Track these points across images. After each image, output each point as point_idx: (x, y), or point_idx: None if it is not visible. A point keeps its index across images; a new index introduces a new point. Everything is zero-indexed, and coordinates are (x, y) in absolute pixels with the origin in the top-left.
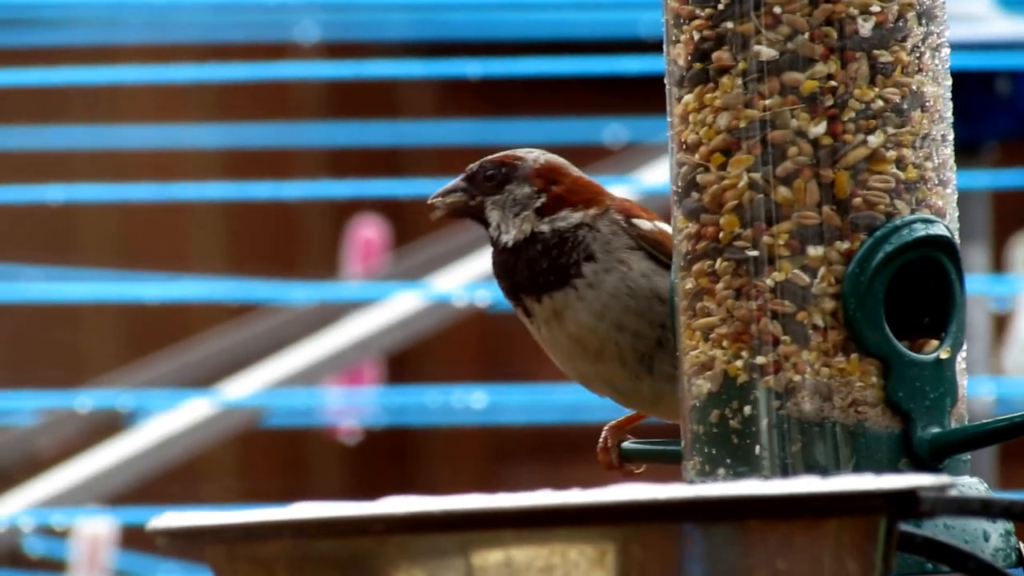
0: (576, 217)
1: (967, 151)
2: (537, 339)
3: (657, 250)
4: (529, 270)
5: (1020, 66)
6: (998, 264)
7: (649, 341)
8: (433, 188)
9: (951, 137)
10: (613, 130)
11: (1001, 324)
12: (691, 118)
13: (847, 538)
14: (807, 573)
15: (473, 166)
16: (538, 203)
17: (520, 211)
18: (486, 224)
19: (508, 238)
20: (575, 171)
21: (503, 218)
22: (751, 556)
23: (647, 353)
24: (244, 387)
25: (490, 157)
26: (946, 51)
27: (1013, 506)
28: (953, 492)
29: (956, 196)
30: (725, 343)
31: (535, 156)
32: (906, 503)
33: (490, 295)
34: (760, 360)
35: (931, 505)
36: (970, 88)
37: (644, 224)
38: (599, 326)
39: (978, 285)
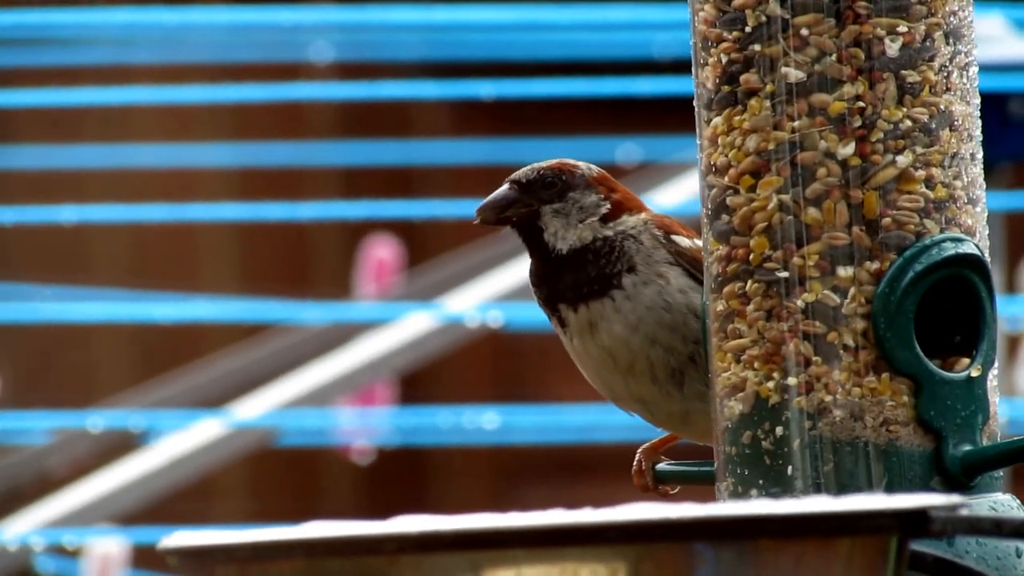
0: (632, 222)
1: None
2: (569, 350)
3: (694, 267)
4: (574, 278)
5: None
6: (1011, 285)
7: (681, 357)
8: (447, 208)
9: (980, 156)
10: (626, 150)
11: (1013, 345)
12: (720, 140)
13: (859, 557)
14: None
15: (527, 174)
16: (604, 210)
17: (586, 217)
18: (539, 231)
19: (564, 245)
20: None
21: (566, 225)
22: (763, 575)
23: (678, 369)
24: (256, 407)
25: (543, 166)
26: (974, 70)
27: None
28: (964, 511)
29: (986, 214)
30: (756, 364)
31: (587, 165)
32: (917, 522)
33: (502, 315)
34: (791, 381)
35: (942, 525)
36: (983, 109)
37: (683, 241)
38: (632, 339)
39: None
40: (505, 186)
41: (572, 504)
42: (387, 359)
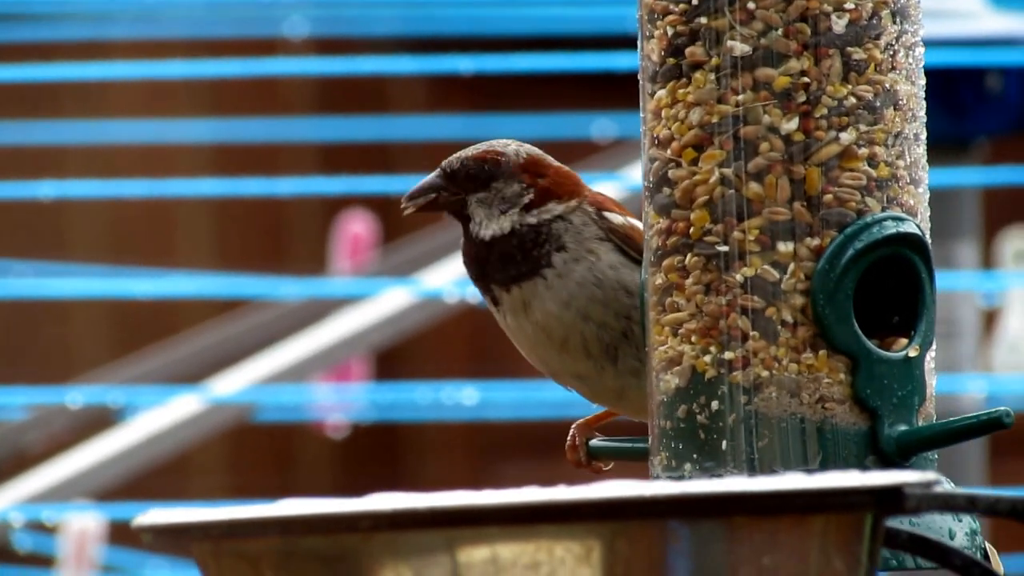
0: (559, 209)
1: (957, 147)
2: (503, 328)
3: (626, 244)
4: (502, 262)
5: (1010, 62)
6: (987, 261)
7: (614, 332)
8: None
9: (924, 136)
10: (601, 126)
11: (990, 321)
12: (664, 113)
13: (833, 534)
14: (793, 569)
15: (452, 163)
16: (527, 199)
17: (508, 208)
18: (466, 219)
19: (488, 232)
20: (554, 162)
21: (488, 215)
22: (737, 552)
23: (612, 344)
24: (233, 383)
25: (469, 154)
26: (920, 50)
27: (999, 503)
28: (939, 489)
29: (928, 195)
30: (694, 338)
31: (515, 150)
32: (892, 500)
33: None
34: (728, 355)
35: (917, 502)
36: (961, 84)
37: (615, 217)
38: (564, 315)
39: (967, 282)
40: (434, 172)
41: (548, 480)
42: (364, 335)
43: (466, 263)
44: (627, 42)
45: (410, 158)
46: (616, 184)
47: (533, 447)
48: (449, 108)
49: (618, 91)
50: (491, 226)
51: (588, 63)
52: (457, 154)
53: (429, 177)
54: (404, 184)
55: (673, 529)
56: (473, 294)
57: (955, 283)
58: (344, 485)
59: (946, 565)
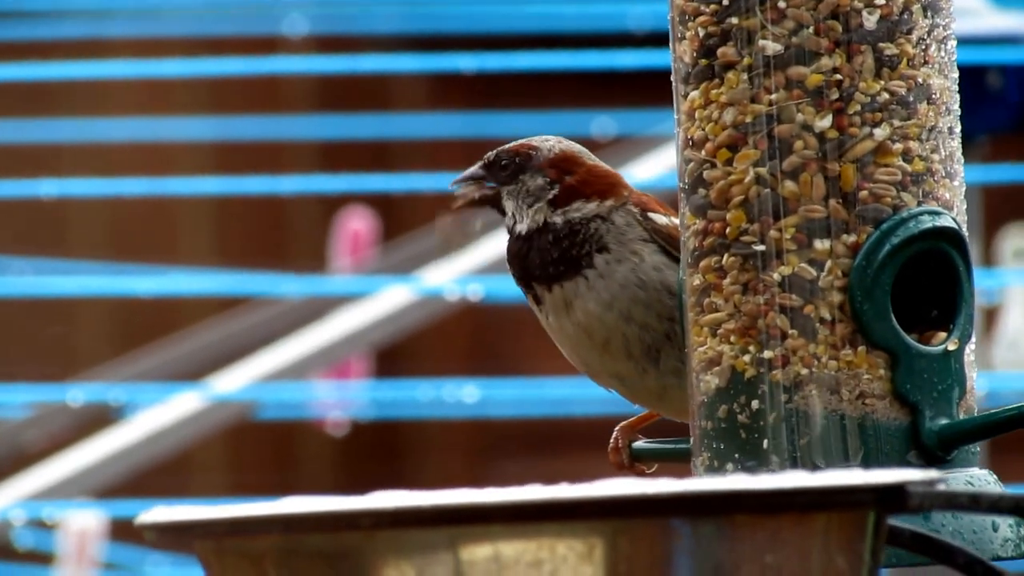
0: (589, 208)
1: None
2: (545, 327)
3: (671, 244)
4: (540, 259)
5: (1011, 60)
6: (987, 258)
7: (657, 334)
8: (424, 182)
9: (958, 129)
10: (602, 123)
11: (990, 319)
12: (697, 114)
13: (836, 533)
14: (796, 567)
15: (491, 155)
16: (551, 195)
17: (533, 202)
18: (502, 213)
19: (522, 227)
20: (591, 160)
21: (517, 208)
22: (739, 550)
23: (654, 346)
24: (234, 381)
25: (507, 146)
26: (952, 43)
27: (1002, 500)
28: (941, 486)
29: (964, 188)
30: (733, 338)
31: (550, 145)
32: (894, 498)
33: (481, 289)
34: (768, 354)
35: (920, 500)
36: (961, 82)
37: (659, 218)
38: (607, 316)
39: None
40: (476, 165)
41: (550, 478)
42: (365, 332)
43: (508, 259)
44: (627, 40)
45: (410, 156)
46: None
47: (534, 444)
48: (449, 106)
49: (618, 89)
50: (524, 220)
51: (588, 61)
52: (500, 148)
53: (473, 167)
54: (404, 182)
55: (675, 527)
56: (474, 291)
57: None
58: (345, 483)
59: (949, 563)
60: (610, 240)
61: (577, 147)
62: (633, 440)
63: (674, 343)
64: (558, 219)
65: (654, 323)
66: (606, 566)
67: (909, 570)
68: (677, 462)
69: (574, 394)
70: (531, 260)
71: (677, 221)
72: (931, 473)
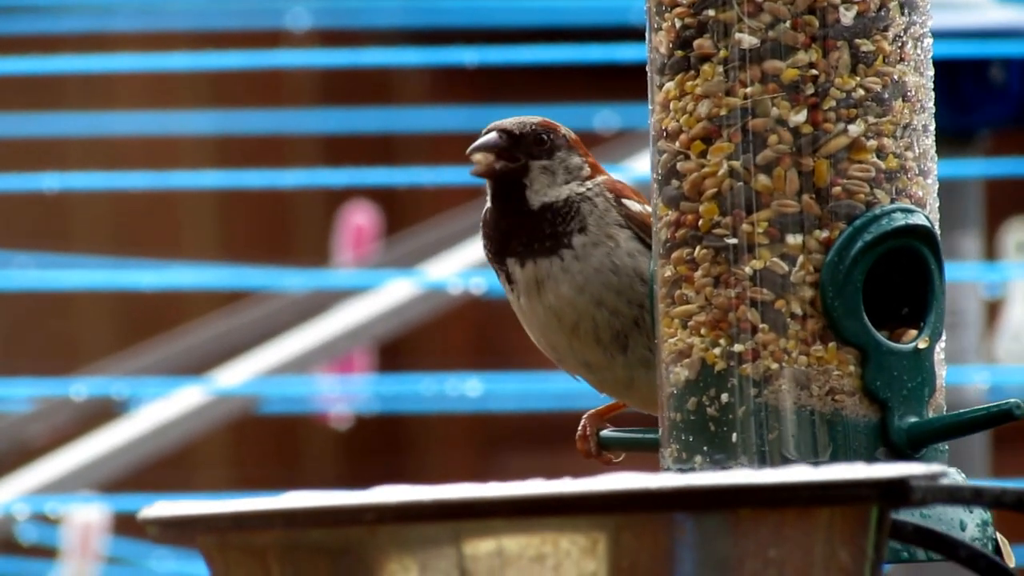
0: (591, 184)
1: (960, 139)
2: (515, 309)
3: (643, 231)
4: (529, 234)
5: (1013, 54)
6: (990, 252)
7: (626, 320)
8: (427, 176)
9: (932, 127)
10: (604, 117)
11: (993, 312)
12: (672, 106)
13: (839, 527)
14: (799, 562)
15: (519, 127)
16: (585, 172)
17: (570, 179)
18: (521, 186)
19: (538, 201)
20: None
21: (550, 183)
22: (742, 545)
23: (622, 332)
24: (237, 375)
25: (533, 120)
26: (928, 41)
27: (1005, 495)
28: (945, 481)
29: (937, 186)
30: (703, 331)
31: (564, 128)
32: (897, 492)
33: (484, 283)
34: (738, 348)
35: (922, 494)
36: (964, 76)
37: (634, 205)
38: (578, 299)
39: (970, 273)
40: (494, 134)
41: (553, 472)
42: (368, 326)
43: (486, 233)
44: (630, 33)
45: (413, 149)
46: (619, 175)
47: (537, 439)
48: (452, 99)
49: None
50: (549, 194)
51: (591, 54)
52: (515, 119)
53: (491, 136)
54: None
55: (678, 522)
56: (477, 285)
57: (958, 274)
58: (348, 477)
59: (952, 557)
60: (591, 222)
61: None
62: (601, 428)
63: (642, 330)
64: (583, 190)
65: (624, 309)
66: (609, 561)
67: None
68: (644, 452)
69: (577, 388)
70: (517, 234)
71: (650, 209)
72: (934, 467)
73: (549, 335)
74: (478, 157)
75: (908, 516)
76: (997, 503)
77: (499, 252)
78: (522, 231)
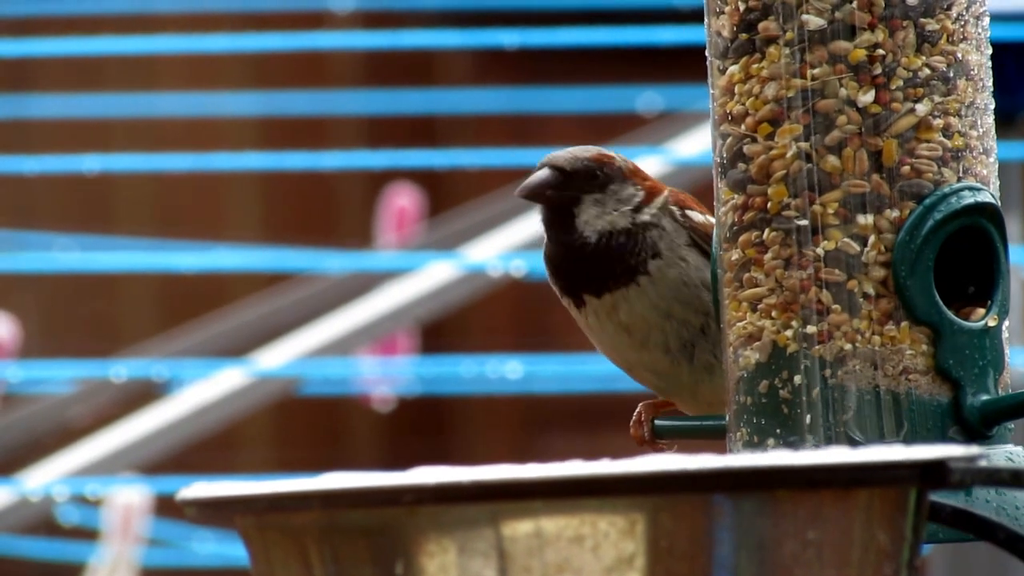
0: (654, 209)
1: (1002, 121)
2: (581, 325)
3: (705, 241)
4: (597, 268)
5: None
6: None
7: (693, 329)
8: (469, 157)
9: (992, 106)
10: (647, 99)
11: None
12: (736, 89)
13: (877, 509)
14: (837, 543)
15: (571, 164)
16: (638, 199)
17: (620, 207)
18: (571, 216)
19: (593, 230)
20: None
21: (600, 214)
22: (781, 526)
23: (690, 340)
24: (279, 356)
25: (586, 156)
26: (987, 20)
27: None
28: (983, 462)
29: (997, 165)
30: (774, 313)
31: (621, 157)
32: (936, 474)
33: (525, 265)
34: (810, 329)
35: (961, 476)
36: (1006, 58)
37: (697, 216)
38: (651, 315)
39: (1012, 255)
40: (546, 171)
41: (594, 454)
42: (409, 308)
43: (553, 271)
44: (673, 15)
45: (456, 131)
46: (661, 157)
47: (578, 420)
48: (494, 81)
49: (664, 64)
50: (600, 225)
51: (634, 36)
52: (569, 153)
53: (545, 173)
54: (450, 158)
55: (717, 503)
56: (518, 267)
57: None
58: (390, 459)
59: (990, 539)
60: (663, 247)
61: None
62: (656, 417)
63: (708, 337)
64: (645, 218)
65: (692, 318)
66: (647, 542)
67: (951, 546)
68: (700, 439)
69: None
70: (584, 268)
71: (711, 218)
72: (972, 449)
73: (619, 348)
74: (527, 195)
75: (985, 494)
76: None
77: (572, 289)
78: (587, 265)
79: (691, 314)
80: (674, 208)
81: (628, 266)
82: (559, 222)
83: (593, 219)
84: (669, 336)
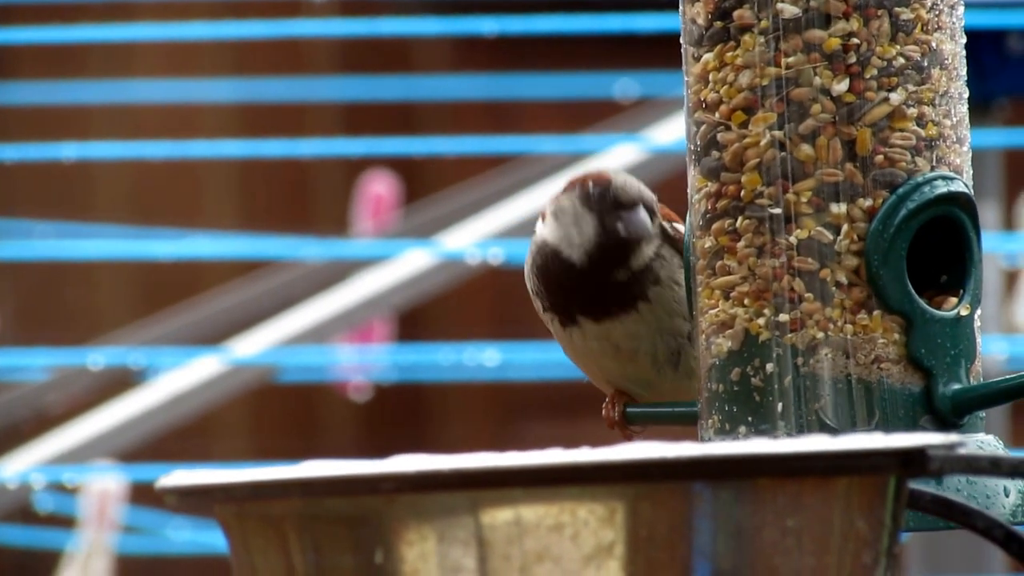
0: (657, 242)
1: (978, 109)
2: (557, 336)
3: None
4: (611, 295)
5: None
6: (1009, 222)
7: (681, 338)
8: (447, 145)
9: (966, 95)
10: (624, 85)
11: (1011, 281)
12: (711, 77)
13: (857, 497)
14: (817, 531)
15: (652, 201)
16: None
17: (653, 241)
18: (635, 252)
19: (638, 265)
20: None
21: (647, 249)
22: (760, 514)
23: (677, 349)
24: (255, 344)
25: (648, 192)
26: (961, 9)
27: (1022, 465)
28: (962, 451)
29: (971, 154)
30: (747, 301)
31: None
32: (915, 462)
33: (503, 253)
34: (783, 317)
35: (940, 464)
36: (982, 46)
37: (681, 227)
38: (645, 335)
39: (989, 243)
40: (643, 211)
41: (571, 441)
42: (386, 296)
43: (556, 285)
44: (649, 3)
45: (433, 119)
46: (638, 145)
47: (555, 408)
48: (472, 68)
49: (641, 51)
50: (643, 258)
51: (611, 23)
52: (637, 190)
53: (643, 213)
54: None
55: (696, 491)
56: (495, 255)
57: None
58: (367, 447)
59: (969, 527)
60: (663, 274)
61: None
62: (627, 403)
63: (693, 343)
64: (652, 255)
65: (681, 327)
66: (627, 530)
67: (928, 533)
68: (671, 424)
69: None
70: (589, 295)
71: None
72: (951, 437)
73: (604, 362)
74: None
75: (952, 482)
76: (1014, 472)
77: (566, 309)
78: (604, 294)
79: (681, 323)
80: (668, 229)
81: (632, 294)
82: (619, 256)
83: (644, 254)
84: (658, 350)
